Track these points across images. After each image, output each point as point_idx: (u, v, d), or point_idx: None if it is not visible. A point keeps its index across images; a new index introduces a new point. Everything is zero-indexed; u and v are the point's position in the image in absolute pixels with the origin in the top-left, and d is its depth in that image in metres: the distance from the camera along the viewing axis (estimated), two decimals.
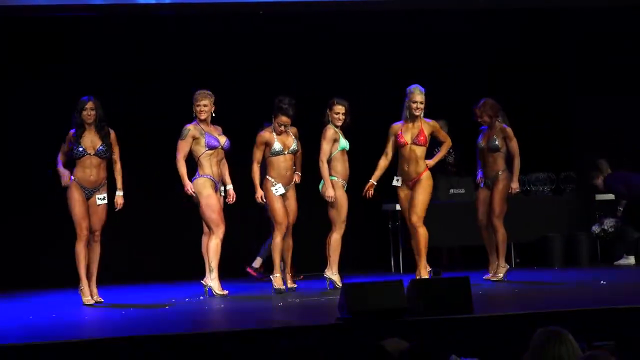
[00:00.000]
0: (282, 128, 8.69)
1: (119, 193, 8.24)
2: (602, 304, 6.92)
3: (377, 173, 8.85)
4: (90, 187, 8.09)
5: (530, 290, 8.35)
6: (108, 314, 7.70)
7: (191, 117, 8.59)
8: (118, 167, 8.24)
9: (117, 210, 8.26)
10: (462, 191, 10.50)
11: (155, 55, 10.68)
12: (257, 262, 10.04)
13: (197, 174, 8.50)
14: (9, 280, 10.03)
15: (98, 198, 8.11)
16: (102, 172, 8.14)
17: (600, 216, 10.40)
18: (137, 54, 10.63)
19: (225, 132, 8.70)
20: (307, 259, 10.08)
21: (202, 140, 8.47)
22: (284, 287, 8.70)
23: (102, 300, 8.19)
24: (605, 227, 10.22)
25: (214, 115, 8.58)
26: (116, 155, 8.21)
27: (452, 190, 10.52)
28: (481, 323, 6.37)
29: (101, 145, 8.10)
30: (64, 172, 8.16)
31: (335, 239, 8.77)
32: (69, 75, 10.35)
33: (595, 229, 10.28)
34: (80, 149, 8.06)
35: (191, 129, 8.49)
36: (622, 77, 11.18)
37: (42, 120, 10.35)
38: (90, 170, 8.08)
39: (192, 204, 8.49)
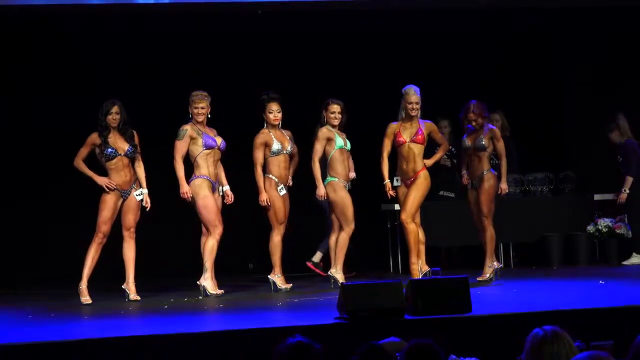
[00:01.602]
0: (276, 115, 8.66)
1: (145, 191, 8.41)
2: (600, 303, 6.93)
3: (385, 172, 8.77)
4: (127, 187, 8.32)
5: (528, 290, 8.35)
6: (107, 314, 7.70)
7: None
8: (142, 166, 8.41)
9: (147, 209, 8.39)
10: (452, 195, 10.52)
11: (154, 55, 10.69)
12: (317, 257, 10.07)
13: (193, 175, 8.50)
14: (9, 280, 10.04)
15: (136, 195, 8.29)
16: (132, 170, 8.37)
17: (595, 216, 10.40)
18: (136, 53, 10.64)
19: (223, 133, 8.70)
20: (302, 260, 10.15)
21: (200, 140, 8.47)
22: (286, 285, 8.70)
23: (139, 298, 8.31)
24: (600, 227, 10.22)
25: (209, 116, 8.58)
26: (139, 155, 8.42)
27: (441, 192, 10.52)
28: (480, 323, 6.38)
29: (129, 147, 8.30)
30: (101, 180, 8.25)
31: (343, 238, 8.75)
32: (69, 75, 10.37)
33: (590, 228, 10.28)
34: (111, 150, 8.21)
35: (188, 129, 8.50)
36: (621, 77, 11.19)
37: (42, 121, 10.37)
38: (123, 171, 8.31)
39: (191, 204, 8.49)
